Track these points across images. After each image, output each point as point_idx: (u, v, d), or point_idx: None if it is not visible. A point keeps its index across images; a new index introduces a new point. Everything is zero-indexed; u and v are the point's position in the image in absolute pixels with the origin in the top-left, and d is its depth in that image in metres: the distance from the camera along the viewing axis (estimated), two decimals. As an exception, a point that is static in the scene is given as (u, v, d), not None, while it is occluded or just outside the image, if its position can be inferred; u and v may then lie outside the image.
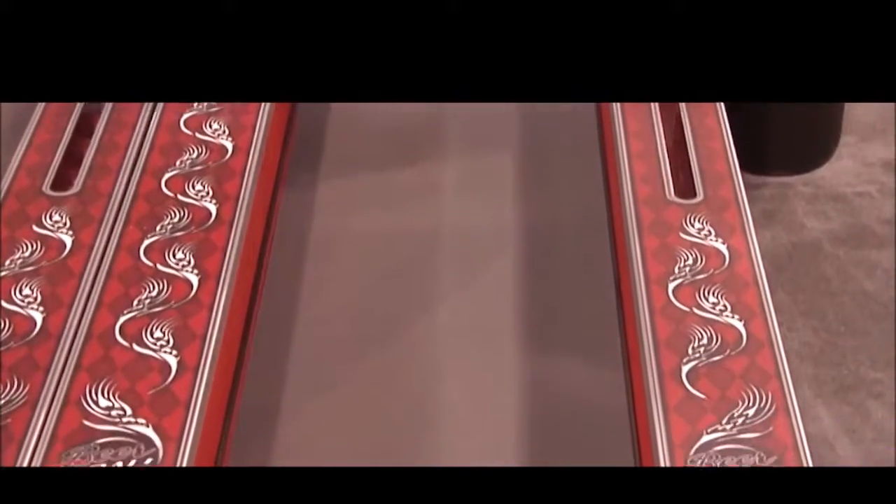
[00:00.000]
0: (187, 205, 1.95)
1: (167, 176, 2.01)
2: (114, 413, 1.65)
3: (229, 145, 2.06)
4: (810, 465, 1.61)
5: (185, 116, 2.12)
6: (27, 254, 1.86)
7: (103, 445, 1.61)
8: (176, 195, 1.97)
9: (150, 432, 1.63)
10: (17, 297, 1.79)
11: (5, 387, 1.67)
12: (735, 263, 1.88)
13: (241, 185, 1.99)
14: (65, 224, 1.92)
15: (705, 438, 1.65)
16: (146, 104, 2.14)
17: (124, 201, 1.96)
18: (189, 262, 1.86)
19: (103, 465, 1.55)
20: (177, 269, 1.84)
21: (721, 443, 1.64)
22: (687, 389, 1.71)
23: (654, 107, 2.13)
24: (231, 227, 1.92)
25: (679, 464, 1.61)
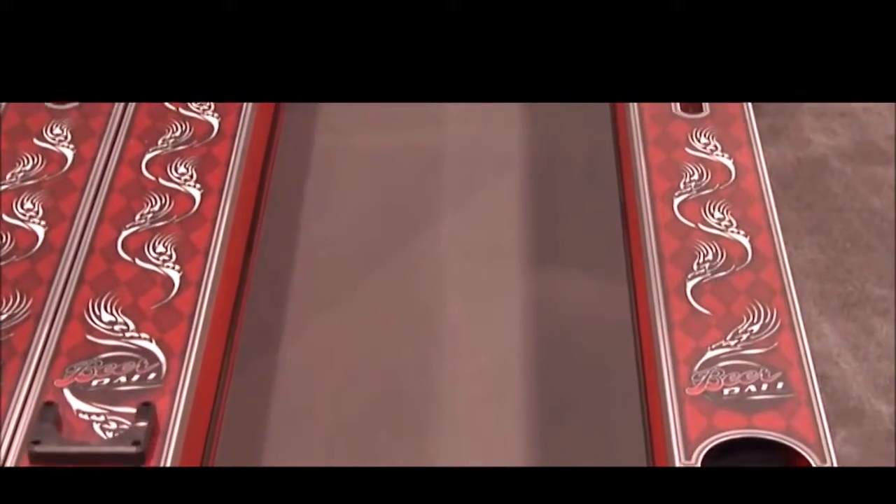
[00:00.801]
0: (189, 118, 1.93)
1: (169, 89, 1.99)
2: (117, 328, 1.65)
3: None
4: (814, 380, 1.61)
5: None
6: (28, 167, 1.85)
7: (106, 360, 1.61)
8: (178, 108, 1.95)
9: (153, 347, 1.63)
10: (18, 211, 1.78)
11: (8, 301, 1.67)
12: (741, 178, 1.87)
13: (244, 99, 1.97)
14: (66, 137, 1.90)
15: (709, 354, 1.65)
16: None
17: (125, 114, 1.94)
18: (191, 177, 1.84)
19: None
20: (179, 184, 1.83)
21: (725, 359, 1.64)
22: (691, 305, 1.71)
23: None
24: (233, 141, 1.90)
25: (683, 380, 1.61)
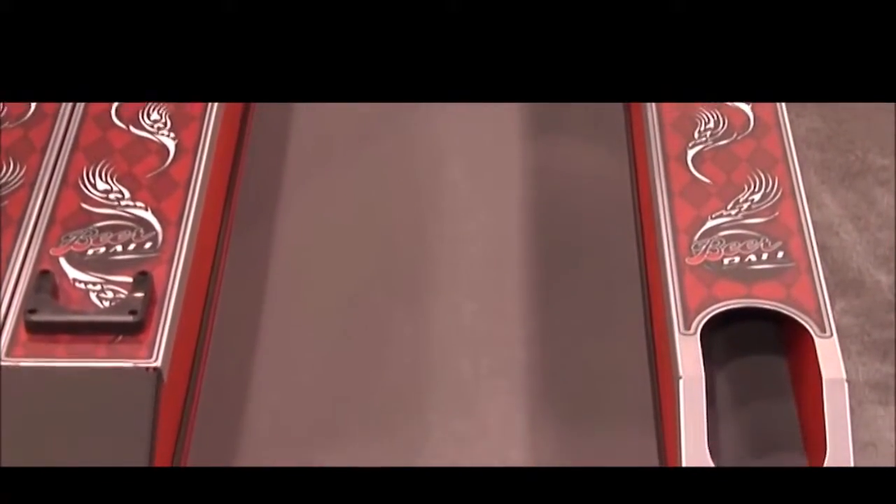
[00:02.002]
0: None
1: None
2: (112, 196, 1.63)
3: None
4: (815, 249, 1.60)
5: None
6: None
7: (102, 229, 1.60)
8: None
9: (148, 216, 1.62)
10: (10, 78, 1.76)
11: (1, 168, 1.65)
12: (744, 45, 1.84)
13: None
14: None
15: (710, 223, 1.64)
16: None
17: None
18: (185, 43, 1.81)
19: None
20: (173, 50, 1.80)
21: (726, 228, 1.63)
22: (692, 174, 1.69)
23: None
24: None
25: (683, 249, 1.60)
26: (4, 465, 1.39)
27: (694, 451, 1.45)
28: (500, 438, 1.69)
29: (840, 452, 1.44)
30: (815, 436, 1.51)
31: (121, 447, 1.43)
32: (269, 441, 1.68)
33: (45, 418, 1.44)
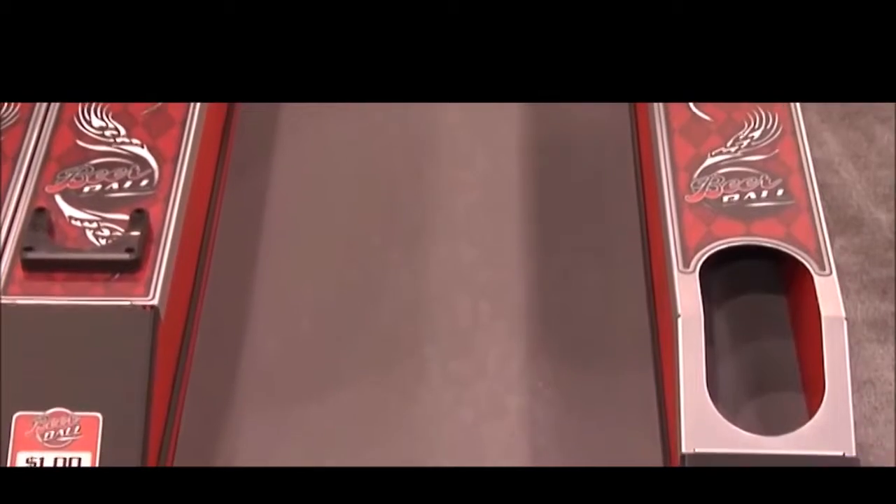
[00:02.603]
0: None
1: None
2: (107, 133, 1.62)
3: None
4: (815, 187, 1.59)
5: None
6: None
7: (97, 166, 1.59)
8: None
9: (144, 153, 1.61)
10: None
11: (-4, 104, 1.64)
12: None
13: None
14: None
15: (709, 161, 1.63)
16: None
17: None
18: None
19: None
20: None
21: (725, 165, 1.62)
22: (692, 111, 1.68)
23: None
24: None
25: (682, 187, 1.60)
26: (3, 403, 1.39)
27: (692, 389, 1.45)
28: (498, 382, 1.69)
29: (838, 391, 1.44)
30: (813, 374, 1.51)
31: (118, 386, 1.43)
32: (266, 381, 1.67)
33: (43, 357, 1.44)
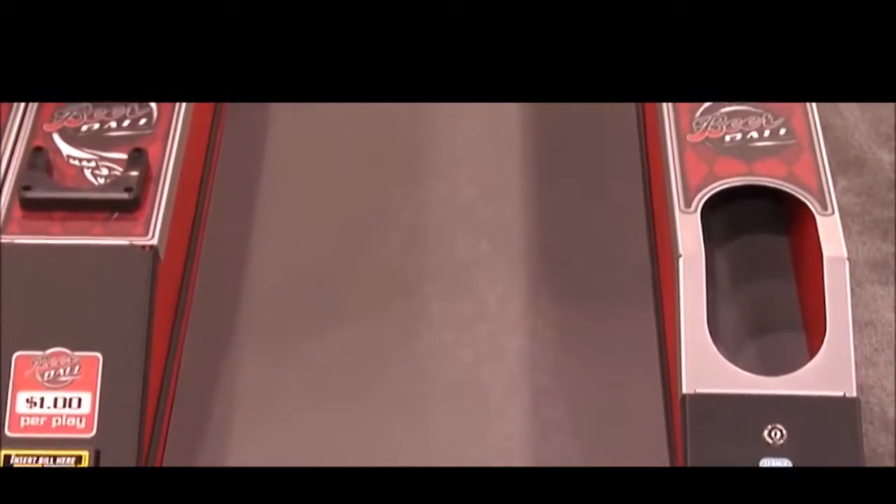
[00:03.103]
0: None
1: None
2: (105, 71, 1.61)
3: None
4: (818, 126, 1.58)
5: None
6: None
7: (96, 105, 1.58)
8: None
9: (143, 91, 1.59)
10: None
11: (-8, 43, 1.62)
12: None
13: None
14: None
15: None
16: None
17: None
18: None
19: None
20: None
21: (727, 104, 1.61)
22: (695, 50, 1.67)
23: None
24: None
25: (684, 126, 1.59)
26: (2, 344, 1.39)
27: (693, 330, 1.45)
28: (498, 322, 1.68)
29: (839, 331, 1.44)
30: (814, 315, 1.51)
31: (118, 326, 1.43)
32: (266, 321, 1.67)
33: (42, 296, 1.44)
